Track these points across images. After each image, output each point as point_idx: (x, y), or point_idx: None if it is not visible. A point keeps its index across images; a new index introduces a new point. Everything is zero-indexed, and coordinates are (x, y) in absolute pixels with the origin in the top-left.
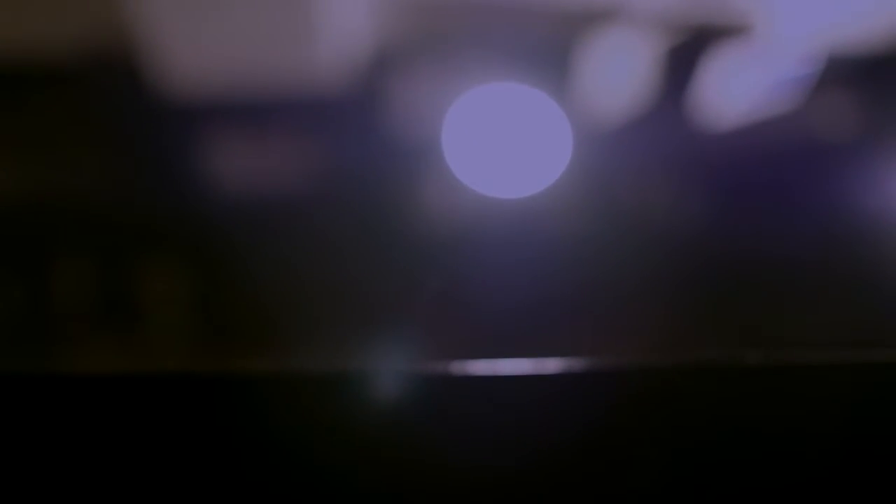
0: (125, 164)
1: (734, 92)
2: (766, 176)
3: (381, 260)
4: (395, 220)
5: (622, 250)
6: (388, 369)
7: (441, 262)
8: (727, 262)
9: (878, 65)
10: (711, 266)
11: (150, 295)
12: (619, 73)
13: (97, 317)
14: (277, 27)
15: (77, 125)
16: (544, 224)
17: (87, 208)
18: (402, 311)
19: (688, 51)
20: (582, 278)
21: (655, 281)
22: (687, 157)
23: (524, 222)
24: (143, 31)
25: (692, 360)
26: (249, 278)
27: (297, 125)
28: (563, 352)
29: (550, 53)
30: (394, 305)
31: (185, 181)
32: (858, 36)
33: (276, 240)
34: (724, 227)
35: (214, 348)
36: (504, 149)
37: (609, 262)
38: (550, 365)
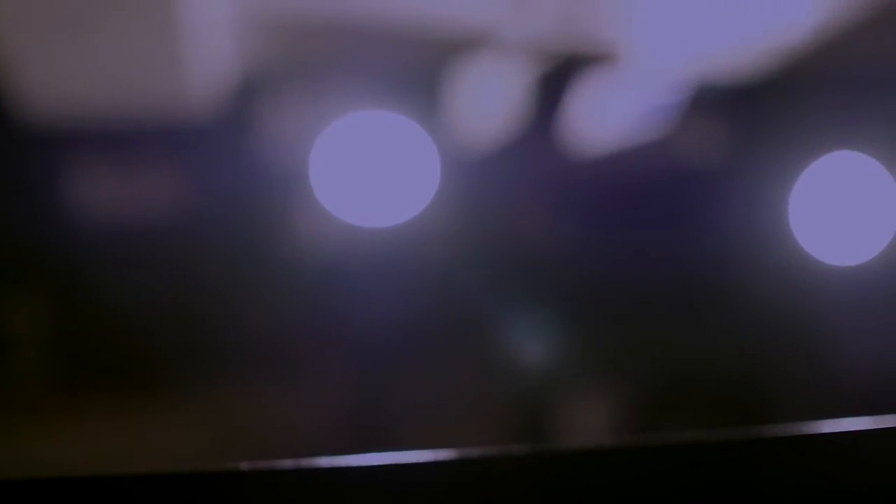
0: None
1: (604, 119)
2: (636, 201)
3: (248, 287)
4: (263, 248)
5: (493, 277)
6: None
7: (310, 290)
8: (599, 286)
9: (745, 93)
10: (583, 290)
11: (10, 329)
12: (490, 100)
13: None
14: (143, 53)
15: None
16: (413, 253)
17: None
18: (268, 339)
19: (557, 78)
20: (452, 305)
21: (528, 306)
22: (558, 184)
23: (392, 251)
24: (5, 58)
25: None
26: (114, 309)
27: (163, 152)
28: (433, 377)
29: (420, 81)
30: (261, 333)
31: (49, 210)
32: (726, 66)
33: (140, 269)
34: (594, 252)
35: (76, 382)
36: (372, 177)
37: (480, 289)
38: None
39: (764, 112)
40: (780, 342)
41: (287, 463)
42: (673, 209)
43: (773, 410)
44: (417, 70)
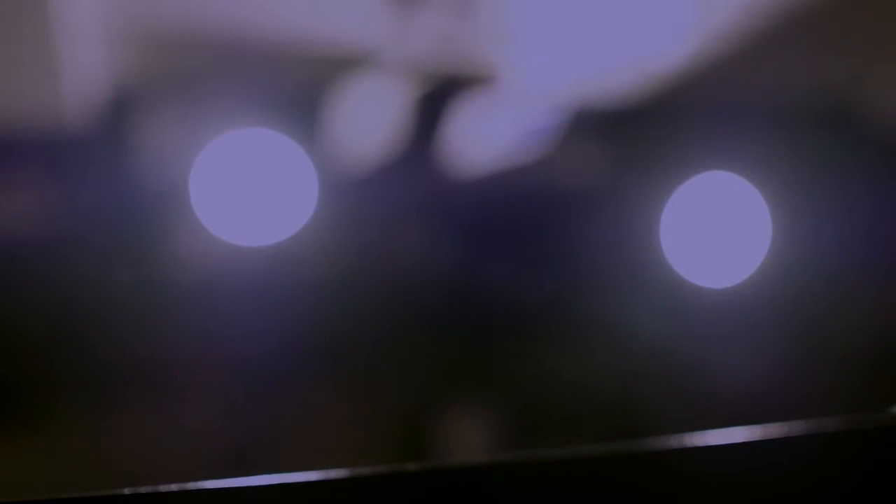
0: None
1: (483, 140)
2: (512, 222)
3: (125, 305)
4: (142, 268)
5: (372, 297)
6: None
7: (188, 311)
8: (477, 308)
9: (620, 116)
10: (462, 311)
11: None
12: (369, 120)
13: None
14: (15, 65)
15: None
16: (291, 272)
17: None
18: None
19: (437, 99)
20: (332, 325)
21: (406, 327)
22: (436, 204)
23: (271, 270)
24: None
25: None
26: None
27: (37, 167)
28: (314, 397)
29: (300, 100)
30: (139, 355)
31: None
32: (603, 89)
33: (11, 289)
34: (470, 272)
35: None
36: (251, 196)
37: (359, 309)
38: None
39: (638, 135)
40: (652, 362)
41: (170, 487)
42: (549, 230)
43: (644, 428)
44: (297, 89)
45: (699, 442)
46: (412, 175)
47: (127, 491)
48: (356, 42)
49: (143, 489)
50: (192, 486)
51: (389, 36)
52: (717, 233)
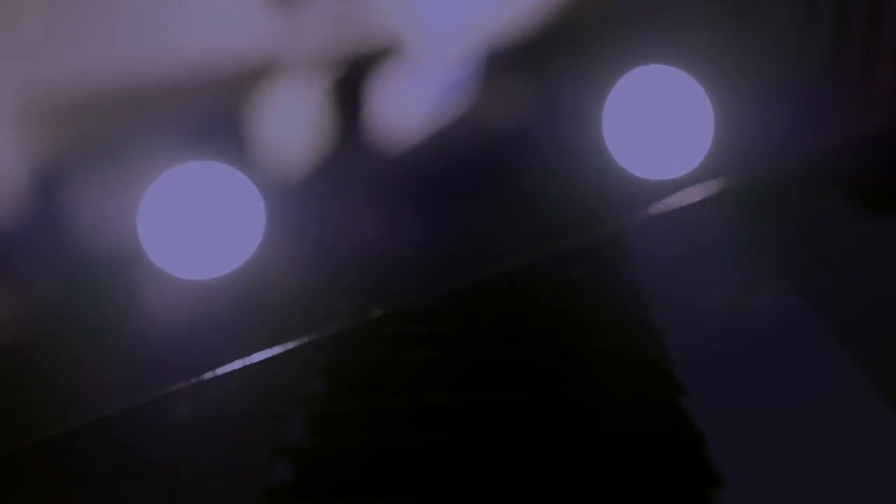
0: None
1: (408, 109)
2: (460, 178)
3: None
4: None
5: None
6: None
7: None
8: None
9: (535, 48)
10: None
11: None
12: (294, 123)
13: None
14: None
15: None
16: (258, 290)
17: None
18: None
19: (352, 82)
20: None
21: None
22: (382, 184)
23: (232, 297)
24: None
25: None
26: None
27: None
28: None
29: (221, 124)
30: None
31: None
32: (510, 24)
33: None
34: (443, 239)
35: None
36: (202, 228)
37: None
38: None
39: (563, 43)
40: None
41: None
42: (500, 171)
43: None
44: (214, 114)
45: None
46: (351, 164)
47: None
48: (256, 52)
49: None
50: None
51: (286, 36)
52: (660, 126)
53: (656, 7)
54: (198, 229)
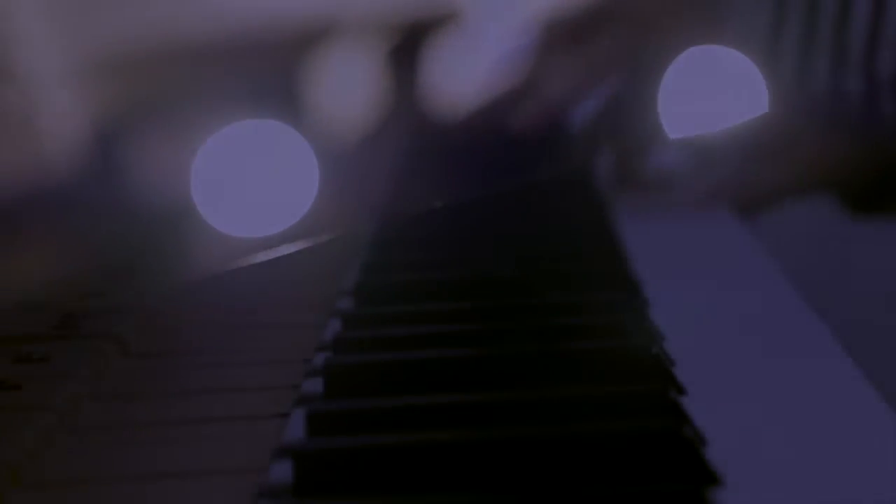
0: None
1: (465, 78)
2: (520, 146)
3: None
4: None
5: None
6: None
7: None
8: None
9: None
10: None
11: None
12: (351, 85)
13: None
14: None
15: None
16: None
17: None
18: None
19: (410, 49)
20: None
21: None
22: (435, 151)
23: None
24: None
25: None
26: None
27: (40, 222)
28: None
29: (281, 83)
30: None
31: None
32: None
33: None
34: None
35: None
36: (256, 186)
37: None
38: None
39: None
40: None
41: None
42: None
43: None
44: (272, 74)
45: None
46: (405, 128)
47: None
48: (314, 13)
49: None
50: None
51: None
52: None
53: None
54: (251, 187)
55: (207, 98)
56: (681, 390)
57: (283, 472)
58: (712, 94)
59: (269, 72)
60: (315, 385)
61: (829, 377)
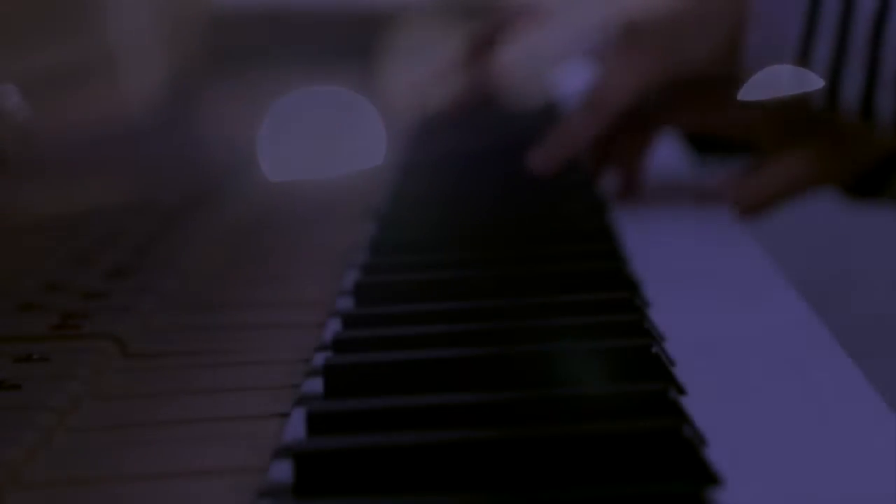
0: None
1: (536, 67)
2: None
3: None
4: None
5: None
6: None
7: None
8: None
9: None
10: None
11: None
12: (424, 64)
13: None
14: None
15: None
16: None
17: None
18: None
19: (487, 32)
20: None
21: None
22: (503, 137)
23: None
24: None
25: None
26: None
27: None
28: None
29: (355, 54)
30: None
31: None
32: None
33: None
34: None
35: None
36: (320, 152)
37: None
38: None
39: None
40: None
41: None
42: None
43: None
44: (351, 44)
45: None
46: (476, 112)
47: None
48: None
49: None
50: None
51: None
52: None
53: None
54: (318, 152)
55: (283, 62)
56: (681, 390)
57: (283, 472)
58: None
59: (345, 42)
60: (315, 385)
61: (828, 377)
